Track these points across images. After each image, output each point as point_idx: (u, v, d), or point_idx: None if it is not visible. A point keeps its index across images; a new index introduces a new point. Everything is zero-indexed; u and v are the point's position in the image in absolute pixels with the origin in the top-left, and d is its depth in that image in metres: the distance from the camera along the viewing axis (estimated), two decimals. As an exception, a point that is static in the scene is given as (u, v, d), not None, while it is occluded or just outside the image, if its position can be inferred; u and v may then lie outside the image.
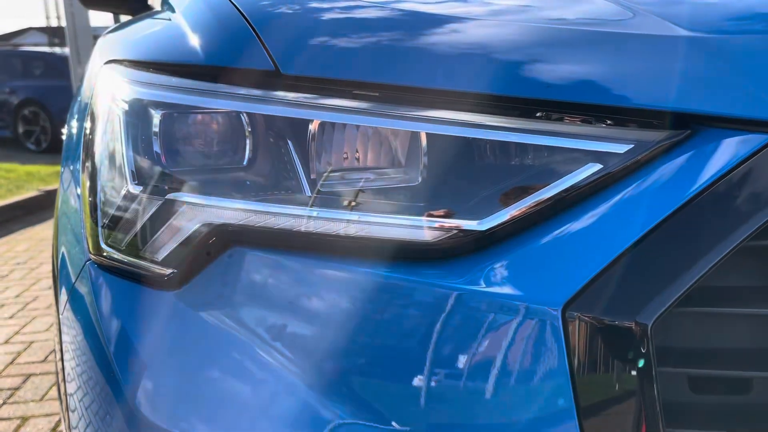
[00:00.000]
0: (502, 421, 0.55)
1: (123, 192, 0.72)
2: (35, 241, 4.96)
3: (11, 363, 2.81)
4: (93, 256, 0.74)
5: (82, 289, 0.75)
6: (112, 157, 0.75)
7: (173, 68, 0.74)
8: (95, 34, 11.04)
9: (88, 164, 0.80)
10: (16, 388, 2.56)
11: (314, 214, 0.63)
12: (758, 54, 0.60)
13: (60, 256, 0.88)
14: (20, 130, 10.60)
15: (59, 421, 2.32)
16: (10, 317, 3.35)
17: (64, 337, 0.80)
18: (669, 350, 0.56)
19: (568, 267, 0.55)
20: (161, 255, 0.68)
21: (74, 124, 1.07)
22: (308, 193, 0.65)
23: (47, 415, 2.35)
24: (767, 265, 0.59)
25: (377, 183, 0.66)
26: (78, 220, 0.83)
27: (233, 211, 0.65)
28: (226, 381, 0.62)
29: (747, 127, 0.57)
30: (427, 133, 0.64)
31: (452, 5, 0.79)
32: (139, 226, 0.70)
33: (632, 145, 0.59)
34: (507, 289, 0.56)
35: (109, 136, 0.76)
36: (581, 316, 0.53)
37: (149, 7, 2.16)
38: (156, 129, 0.71)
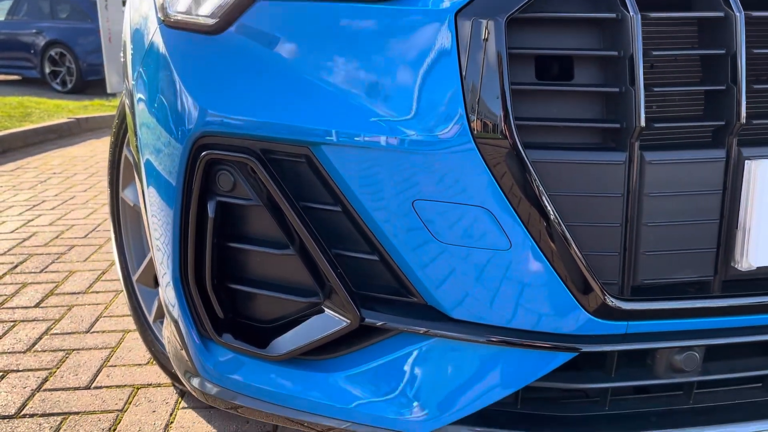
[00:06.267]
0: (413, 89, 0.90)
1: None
2: (68, 158, 5.38)
3: (57, 237, 3.22)
4: (163, 18, 1.10)
5: (157, 42, 1.11)
6: None
7: None
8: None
9: None
10: (63, 254, 2.97)
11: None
12: None
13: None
14: (47, 70, 10.98)
15: (101, 273, 2.72)
16: (52, 209, 3.77)
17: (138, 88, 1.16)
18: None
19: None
20: (209, 10, 1.04)
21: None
22: None
23: (91, 270, 2.76)
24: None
25: None
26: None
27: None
28: (266, 82, 0.98)
29: None
30: None
31: None
32: (192, -5, 1.06)
33: None
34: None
35: None
36: (467, 18, 0.88)
37: None
38: None
